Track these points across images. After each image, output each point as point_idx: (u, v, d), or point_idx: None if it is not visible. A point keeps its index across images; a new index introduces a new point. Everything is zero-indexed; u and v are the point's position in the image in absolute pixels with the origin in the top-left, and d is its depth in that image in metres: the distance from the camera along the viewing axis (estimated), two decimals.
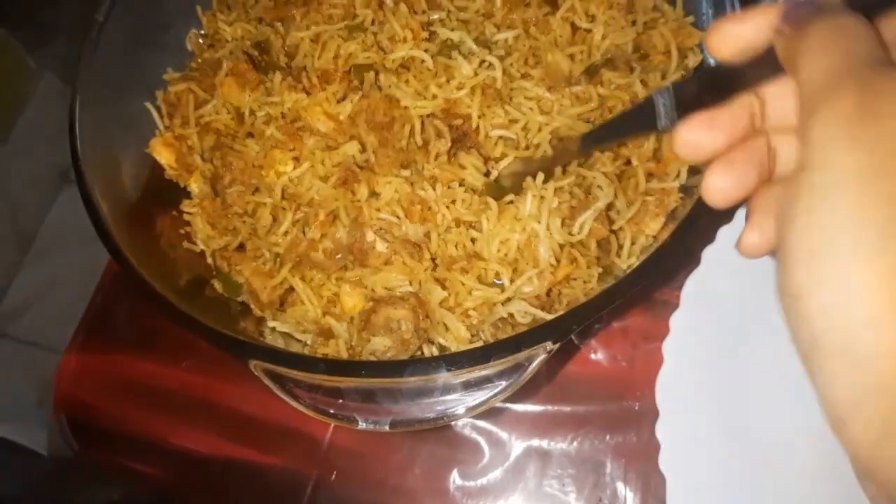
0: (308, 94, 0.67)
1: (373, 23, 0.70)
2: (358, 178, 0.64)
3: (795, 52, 0.33)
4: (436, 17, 0.69)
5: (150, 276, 0.66)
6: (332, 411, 0.57)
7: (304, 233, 0.66)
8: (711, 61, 0.41)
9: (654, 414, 0.70)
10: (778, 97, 0.40)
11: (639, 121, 0.46)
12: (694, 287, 0.74)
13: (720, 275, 0.75)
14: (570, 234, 0.63)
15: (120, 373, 0.85)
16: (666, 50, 0.70)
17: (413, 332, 0.61)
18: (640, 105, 0.47)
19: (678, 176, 0.68)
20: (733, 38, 0.38)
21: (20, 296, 2.16)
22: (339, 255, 0.65)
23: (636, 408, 0.77)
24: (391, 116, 0.64)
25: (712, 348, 0.72)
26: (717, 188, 0.39)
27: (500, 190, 0.65)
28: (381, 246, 0.63)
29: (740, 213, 0.77)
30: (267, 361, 0.57)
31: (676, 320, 0.73)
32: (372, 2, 0.70)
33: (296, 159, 0.68)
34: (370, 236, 0.63)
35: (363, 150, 0.66)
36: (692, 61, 0.71)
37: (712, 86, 0.40)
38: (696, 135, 0.38)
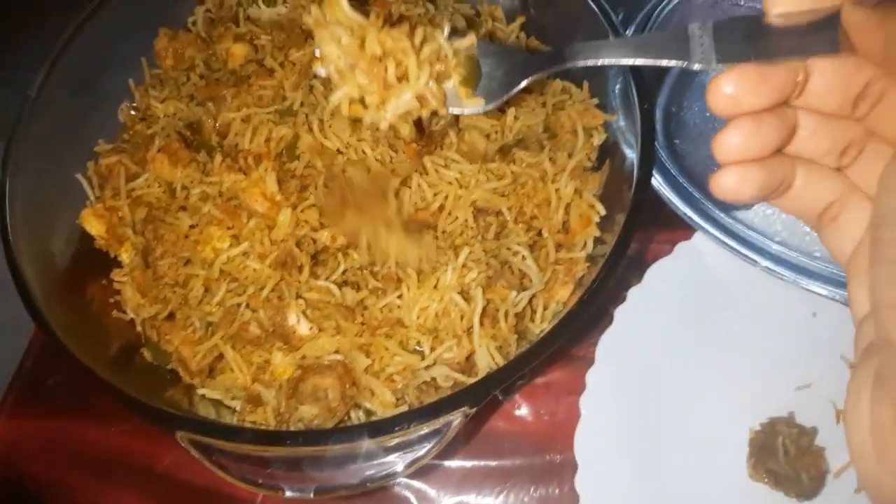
0: (245, 174, 0.70)
1: (302, 104, 0.74)
2: (299, 261, 0.67)
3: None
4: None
5: (77, 346, 0.67)
6: (259, 480, 0.58)
7: (238, 305, 0.68)
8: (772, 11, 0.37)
9: (573, 466, 0.75)
10: (824, 74, 0.36)
11: (671, 50, 0.42)
12: (607, 344, 0.80)
13: (631, 332, 0.80)
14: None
15: (52, 438, 0.84)
16: (573, 129, 0.77)
17: (340, 400, 0.63)
18: (675, 34, 0.42)
19: (584, 246, 0.73)
20: None
21: None
22: (264, 338, 0.67)
23: (558, 460, 0.80)
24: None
25: (626, 401, 0.77)
26: (736, 144, 0.37)
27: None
28: (303, 327, 0.66)
29: (649, 275, 0.84)
30: (192, 432, 0.59)
31: (592, 376, 0.78)
32: (301, 86, 0.74)
33: (234, 237, 0.70)
34: (292, 318, 0.66)
35: (298, 223, 0.69)
36: (597, 139, 0.78)
37: (755, 37, 0.37)
38: (744, 87, 0.36)
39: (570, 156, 0.75)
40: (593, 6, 0.78)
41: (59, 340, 0.66)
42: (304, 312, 0.67)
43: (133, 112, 0.83)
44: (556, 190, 0.73)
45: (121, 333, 0.76)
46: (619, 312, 0.81)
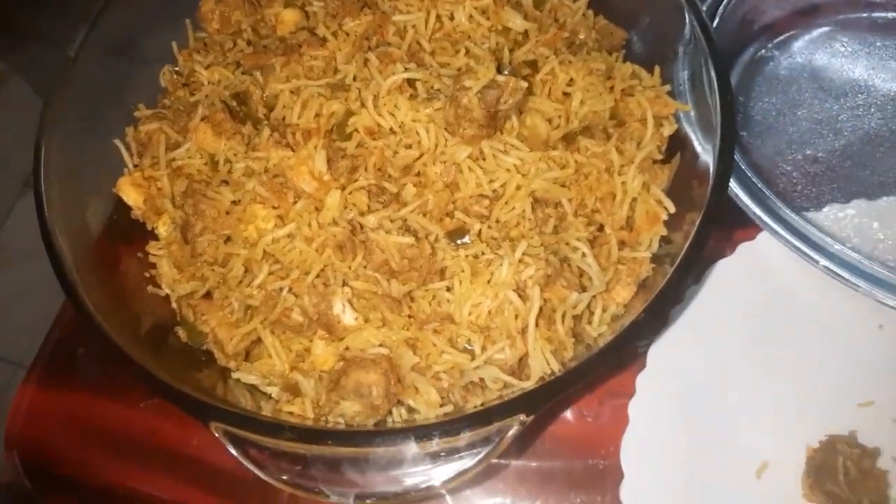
0: (293, 151, 0.66)
1: (354, 79, 0.69)
2: (355, 246, 0.63)
3: None
4: (418, 74, 0.68)
5: (110, 324, 0.64)
6: (297, 482, 0.55)
7: (280, 290, 0.64)
8: None
9: (618, 474, 0.70)
10: None
11: None
12: (661, 348, 0.75)
13: (687, 335, 0.75)
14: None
15: (76, 412, 0.81)
16: (642, 118, 0.71)
17: (383, 398, 0.59)
18: None
19: (650, 245, 0.68)
20: None
21: None
22: (306, 326, 0.63)
23: (601, 466, 0.76)
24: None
25: (678, 410, 0.73)
26: None
27: None
28: (349, 317, 0.62)
29: (709, 275, 0.78)
30: (228, 423, 0.55)
31: (643, 380, 0.73)
32: (355, 59, 0.68)
33: (279, 217, 0.66)
34: (338, 307, 0.62)
35: (346, 205, 0.65)
36: (667, 130, 0.72)
37: None
38: None
39: (638, 147, 0.69)
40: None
41: (91, 317, 0.63)
42: (349, 301, 0.63)
43: (175, 76, 0.79)
44: (623, 183, 0.67)
45: (154, 310, 0.73)
46: (676, 313, 0.76)
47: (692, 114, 0.72)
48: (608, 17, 0.80)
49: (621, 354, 0.59)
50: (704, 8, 0.87)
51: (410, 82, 0.68)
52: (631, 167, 0.68)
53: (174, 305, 0.73)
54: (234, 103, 0.69)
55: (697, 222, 0.60)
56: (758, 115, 0.91)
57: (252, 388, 0.69)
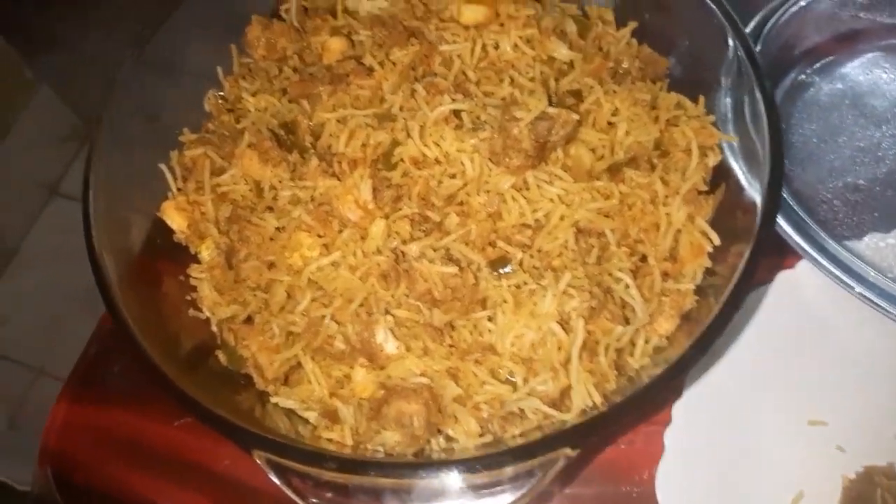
0: (339, 179, 0.67)
1: (401, 109, 0.70)
2: (399, 275, 0.64)
3: None
4: (465, 105, 0.69)
5: (150, 343, 0.65)
6: None
7: (323, 317, 0.65)
8: None
9: (652, 502, 0.70)
10: None
11: None
12: (697, 376, 0.74)
13: (725, 363, 0.75)
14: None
15: (110, 428, 0.82)
16: (687, 148, 0.71)
17: (424, 428, 0.60)
18: None
19: (694, 277, 0.68)
20: None
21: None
22: (348, 353, 0.64)
23: (634, 494, 0.75)
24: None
25: (714, 439, 0.72)
26: None
27: None
28: (391, 346, 0.63)
29: (747, 304, 0.78)
30: (271, 452, 0.56)
31: (679, 409, 0.73)
32: (402, 89, 0.69)
33: (325, 245, 0.67)
34: (380, 336, 0.63)
35: (389, 233, 0.66)
36: (712, 160, 0.72)
37: None
38: None
39: (683, 178, 0.69)
40: (715, 9, 0.72)
41: (134, 339, 0.64)
42: (391, 330, 0.63)
43: (220, 101, 0.81)
44: (667, 214, 0.67)
45: (194, 333, 0.74)
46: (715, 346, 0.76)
47: (736, 143, 0.72)
48: (651, 45, 0.80)
49: (667, 389, 0.59)
50: (751, 27, 0.89)
51: (456, 112, 0.69)
52: (676, 198, 0.68)
53: (214, 328, 0.74)
54: (282, 132, 0.71)
55: (746, 256, 0.59)
56: (798, 143, 0.90)
57: (290, 413, 0.70)
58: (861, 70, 0.96)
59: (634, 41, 0.80)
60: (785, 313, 0.77)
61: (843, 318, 0.76)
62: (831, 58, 0.95)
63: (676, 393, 0.73)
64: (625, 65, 0.77)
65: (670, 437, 0.72)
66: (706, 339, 0.57)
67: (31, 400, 2.01)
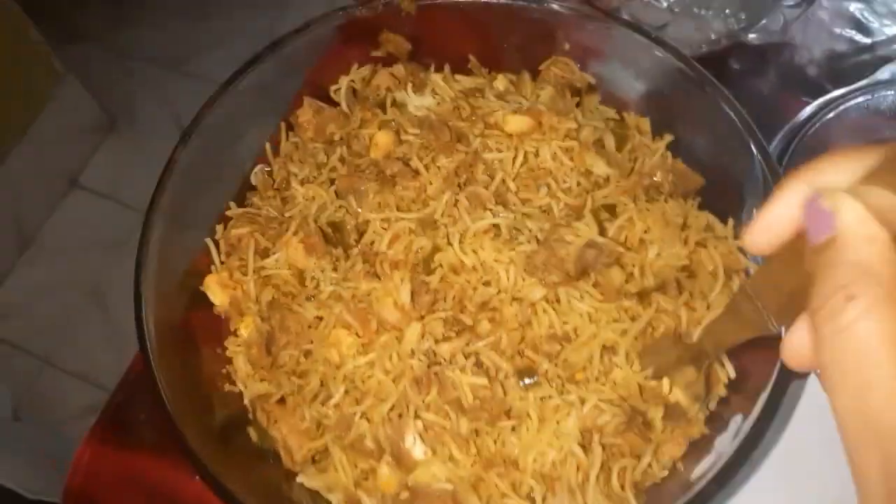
0: (380, 279, 0.70)
1: (442, 214, 0.73)
2: (430, 381, 0.67)
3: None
4: (502, 215, 0.73)
5: (183, 414, 0.68)
6: None
7: (355, 414, 0.69)
8: None
9: None
10: None
11: None
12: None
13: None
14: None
15: (134, 474, 0.84)
16: (713, 271, 0.74)
17: None
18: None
19: (707, 407, 0.71)
20: (765, 234, 0.41)
21: (12, 297, 2.15)
22: (377, 453, 0.68)
23: None
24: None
25: None
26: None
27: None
28: (418, 451, 0.66)
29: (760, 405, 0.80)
30: None
31: None
32: (445, 196, 0.73)
33: (362, 345, 0.70)
34: (409, 440, 0.66)
35: (423, 334, 0.69)
36: (737, 284, 0.75)
37: None
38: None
39: (708, 308, 0.72)
40: (741, 126, 0.75)
41: (168, 410, 0.67)
42: (420, 434, 0.67)
43: (267, 177, 0.84)
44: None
45: (227, 403, 0.78)
46: (720, 444, 0.74)
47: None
48: (686, 160, 0.83)
49: None
50: (778, 137, 0.92)
51: (495, 224, 0.73)
52: (698, 329, 0.71)
53: (246, 402, 0.77)
54: (330, 230, 0.74)
55: (765, 395, 0.63)
56: None
57: (315, 493, 0.74)
58: None
59: (669, 154, 0.83)
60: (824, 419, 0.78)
61: None
62: None
63: None
64: (657, 177, 0.80)
65: None
66: (723, 475, 0.61)
67: (37, 391, 2.04)
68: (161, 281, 0.76)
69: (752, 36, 1.02)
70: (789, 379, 0.65)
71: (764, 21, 1.05)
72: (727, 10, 1.04)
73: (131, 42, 2.47)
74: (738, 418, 0.69)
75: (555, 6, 0.83)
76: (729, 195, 0.81)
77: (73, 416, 1.95)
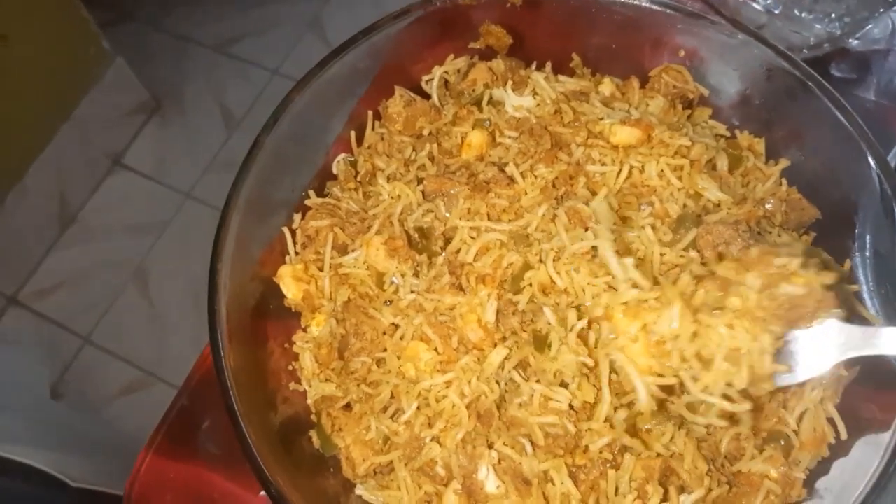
0: (464, 293, 0.66)
1: (537, 228, 0.68)
2: (492, 419, 0.63)
3: None
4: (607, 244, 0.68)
5: (247, 411, 0.66)
6: None
7: (425, 437, 0.65)
8: None
9: None
10: None
11: None
12: None
13: None
14: None
15: (192, 484, 0.81)
16: None
17: None
18: None
19: (807, 466, 0.66)
20: None
21: (53, 274, 2.17)
22: (444, 480, 0.64)
23: None
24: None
25: None
26: None
27: None
28: (491, 485, 0.61)
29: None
30: None
31: None
32: (542, 209, 0.68)
33: (440, 363, 0.66)
34: (482, 472, 0.61)
35: (509, 357, 0.65)
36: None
37: None
38: None
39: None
40: (866, 150, 0.69)
41: (232, 403, 0.65)
42: (494, 466, 0.63)
43: (349, 167, 0.80)
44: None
45: (292, 404, 0.74)
46: (821, 486, 0.68)
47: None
48: (802, 189, 0.75)
49: None
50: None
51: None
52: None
53: (310, 402, 0.74)
54: (416, 235, 0.70)
55: (880, 466, 0.59)
56: None
57: None
58: None
59: (784, 182, 0.76)
60: None
61: None
62: None
63: None
64: (769, 206, 0.74)
65: None
66: None
67: (75, 369, 2.06)
68: (236, 269, 0.72)
69: (854, 42, 0.95)
70: None
71: (869, 26, 0.98)
72: (831, 14, 0.97)
73: (181, 24, 2.44)
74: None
75: (669, 10, 0.78)
76: (842, 228, 0.74)
77: (112, 396, 1.95)
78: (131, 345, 2.05)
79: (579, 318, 0.65)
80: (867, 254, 0.76)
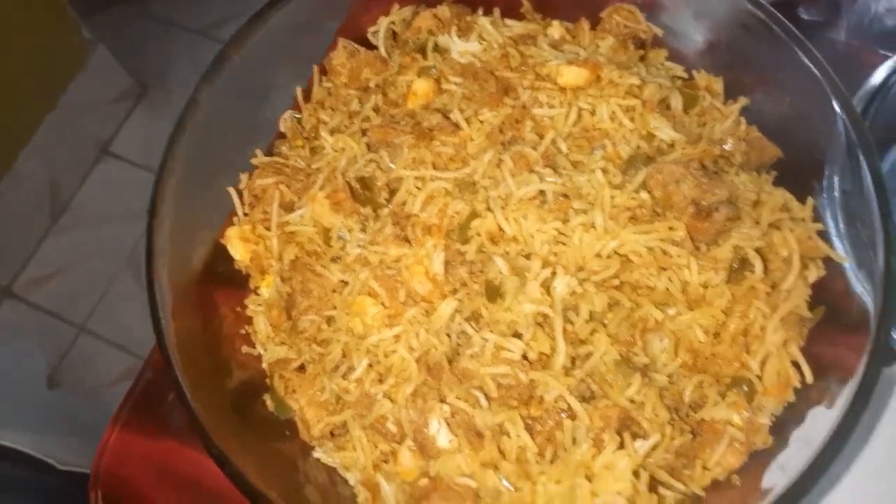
0: (410, 245, 0.63)
1: (484, 176, 0.65)
2: (442, 372, 0.60)
3: None
4: (550, 179, 0.65)
5: (195, 381, 0.63)
6: None
7: (376, 393, 0.63)
8: None
9: None
10: None
11: None
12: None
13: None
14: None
15: (161, 457, 0.78)
16: (788, 258, 0.65)
17: None
18: None
19: (773, 412, 0.62)
20: None
21: (46, 263, 2.16)
22: (398, 436, 0.62)
23: None
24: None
25: None
26: None
27: None
28: (443, 439, 0.59)
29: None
30: None
31: None
32: (488, 155, 0.65)
33: (388, 316, 0.63)
34: (433, 426, 0.59)
35: (460, 309, 0.62)
36: (813, 275, 0.66)
37: None
38: None
39: (786, 298, 0.63)
40: (827, 87, 0.66)
41: (179, 381, 0.63)
42: (446, 420, 0.61)
43: (297, 124, 0.77)
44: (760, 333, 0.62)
45: (246, 368, 0.71)
46: (796, 437, 0.65)
47: (847, 265, 0.66)
48: (762, 128, 0.72)
49: None
50: (854, 100, 0.80)
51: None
52: (773, 318, 0.61)
53: (265, 367, 0.71)
54: (358, 186, 0.67)
55: (846, 407, 0.54)
56: None
57: (332, 470, 0.67)
58: None
59: (743, 121, 0.72)
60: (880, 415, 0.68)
61: None
62: None
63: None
64: (728, 146, 0.70)
65: None
66: (793, 492, 0.53)
67: (73, 358, 2.04)
68: (179, 233, 0.69)
69: None
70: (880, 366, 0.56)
71: None
72: None
73: (166, 9, 2.42)
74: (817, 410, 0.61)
75: None
76: (808, 168, 0.71)
77: (109, 383, 1.92)
78: (127, 331, 2.03)
79: (543, 267, 0.62)
80: (835, 194, 0.73)
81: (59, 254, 2.18)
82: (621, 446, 0.58)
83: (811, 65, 0.66)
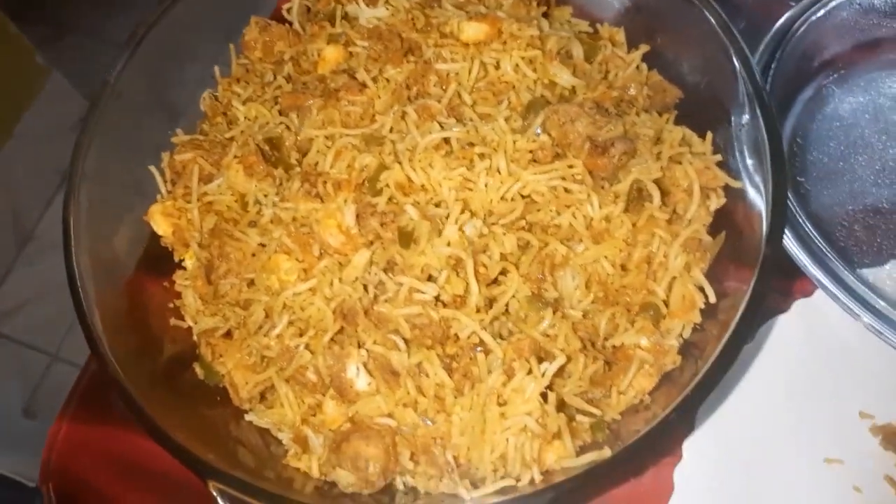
0: (322, 201, 0.64)
1: (391, 130, 0.66)
2: (357, 318, 0.61)
3: None
4: (455, 129, 0.66)
5: (123, 356, 0.63)
6: None
7: (296, 346, 0.63)
8: None
9: None
10: None
11: None
12: (709, 410, 0.70)
13: (738, 396, 0.71)
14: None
15: (110, 447, 0.78)
16: (688, 189, 0.67)
17: (380, 475, 0.57)
18: None
19: (681, 334, 0.64)
20: None
21: (14, 294, 2.13)
22: (320, 385, 0.62)
23: None
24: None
25: (727, 477, 0.69)
26: None
27: None
28: (362, 382, 0.59)
29: (761, 333, 0.72)
30: (226, 486, 0.54)
31: (690, 446, 0.69)
32: (393, 110, 0.66)
33: (303, 270, 0.63)
34: (351, 371, 0.59)
35: (375, 260, 0.63)
36: (714, 203, 0.67)
37: None
38: None
39: (683, 221, 0.65)
40: (722, 35, 0.67)
41: (103, 356, 0.62)
42: (364, 365, 0.61)
43: (216, 102, 0.77)
44: (663, 259, 0.63)
45: (176, 341, 0.71)
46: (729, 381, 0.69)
47: (748, 190, 0.68)
48: (662, 72, 0.74)
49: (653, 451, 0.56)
50: (762, 45, 0.82)
51: (446, 138, 0.65)
52: (674, 244, 0.63)
53: (195, 338, 0.71)
54: (267, 147, 0.67)
55: (736, 318, 0.56)
56: (817, 161, 0.83)
57: (264, 431, 0.67)
58: (883, 81, 0.88)
59: (644, 67, 0.74)
60: (801, 344, 0.73)
61: (862, 350, 0.71)
62: (852, 68, 0.88)
63: (688, 429, 0.69)
64: (631, 91, 0.71)
65: (680, 475, 0.69)
66: (688, 403, 0.54)
67: (46, 387, 2.01)
68: (99, 215, 0.70)
69: None
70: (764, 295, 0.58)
71: None
72: None
73: (121, 33, 2.42)
74: None
75: None
76: (710, 109, 0.72)
77: None
78: None
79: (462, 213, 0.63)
80: (740, 132, 0.74)
81: (26, 284, 2.16)
82: (530, 372, 0.58)
83: (710, 17, 0.69)
